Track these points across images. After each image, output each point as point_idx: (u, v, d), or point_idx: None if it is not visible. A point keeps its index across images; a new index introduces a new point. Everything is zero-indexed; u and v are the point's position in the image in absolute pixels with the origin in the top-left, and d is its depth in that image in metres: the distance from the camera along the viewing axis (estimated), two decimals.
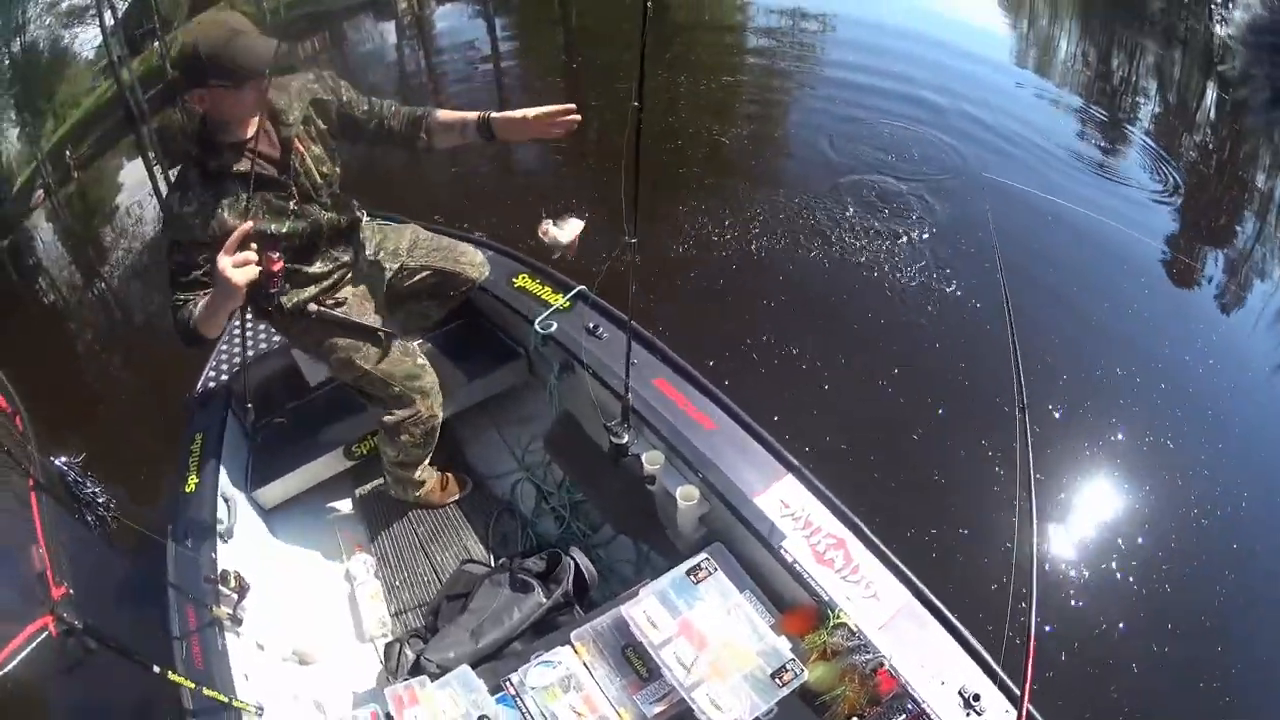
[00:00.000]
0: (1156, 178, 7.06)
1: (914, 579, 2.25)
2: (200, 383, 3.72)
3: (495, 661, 2.60)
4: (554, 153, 7.61)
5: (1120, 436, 4.44)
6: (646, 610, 2.40)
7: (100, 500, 2.29)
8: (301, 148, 2.67)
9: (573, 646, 2.45)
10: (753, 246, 5.86)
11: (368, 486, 3.61)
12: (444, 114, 2.82)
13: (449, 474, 3.57)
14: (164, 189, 8.69)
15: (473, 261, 3.32)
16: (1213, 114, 8.98)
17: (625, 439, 2.78)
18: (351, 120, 2.79)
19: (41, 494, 2.10)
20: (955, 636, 2.15)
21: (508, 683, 2.40)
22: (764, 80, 9.17)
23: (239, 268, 2.24)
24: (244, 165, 2.51)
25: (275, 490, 3.48)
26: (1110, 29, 11.33)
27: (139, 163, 9.72)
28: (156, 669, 2.19)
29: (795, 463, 2.58)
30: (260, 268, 2.33)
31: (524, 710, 2.34)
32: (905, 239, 5.88)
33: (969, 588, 3.20)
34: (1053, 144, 7.56)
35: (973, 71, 9.15)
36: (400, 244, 3.24)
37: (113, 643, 2.03)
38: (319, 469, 3.52)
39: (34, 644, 1.82)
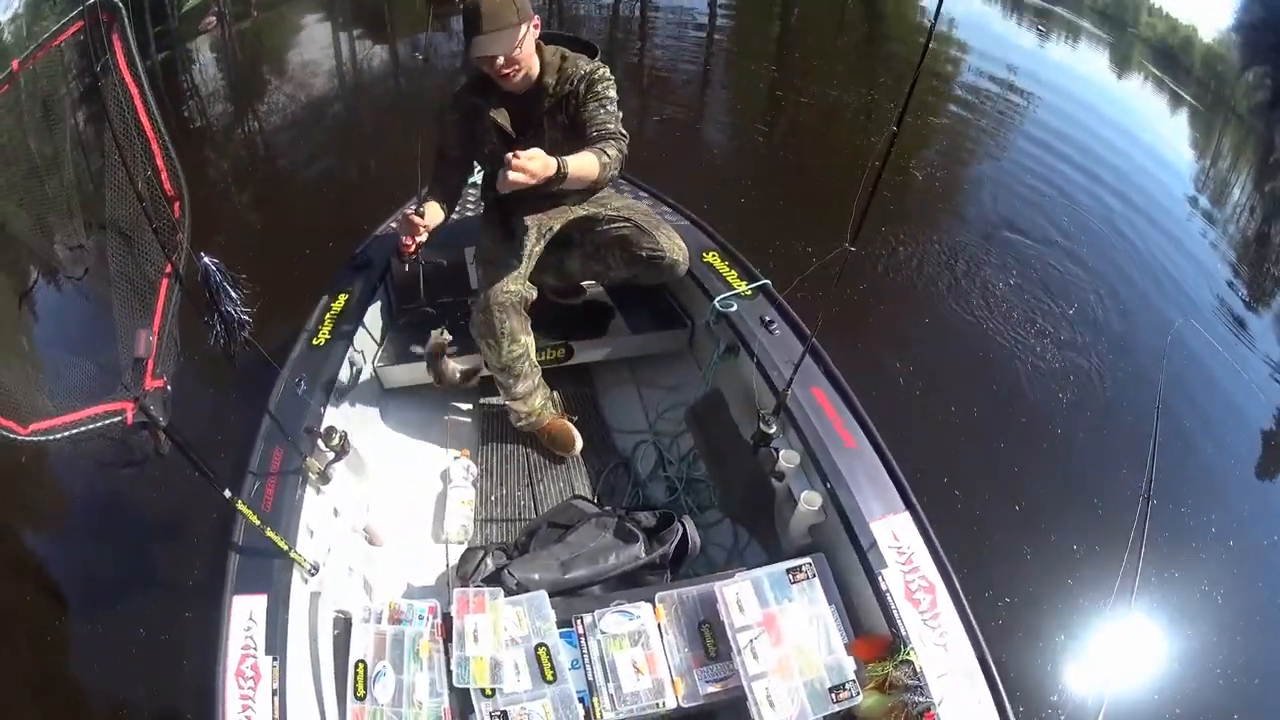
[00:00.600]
0: None
1: (982, 642, 2.21)
2: (362, 246, 3.69)
3: (572, 597, 2.53)
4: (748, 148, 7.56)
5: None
6: (739, 593, 2.34)
7: (237, 313, 2.06)
8: (545, 125, 2.90)
9: (653, 605, 2.40)
10: (922, 285, 5.72)
11: (494, 400, 3.53)
12: None
13: (567, 425, 3.45)
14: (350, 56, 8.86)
15: (673, 240, 3.21)
16: None
17: (773, 429, 2.73)
18: (580, 124, 2.89)
19: (175, 285, 1.97)
20: (997, 702, 2.13)
21: (578, 620, 2.36)
22: (960, 131, 8.92)
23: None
24: (498, 115, 2.87)
25: (400, 373, 3.47)
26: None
27: (325, 25, 9.73)
28: (228, 493, 2.17)
29: (915, 503, 2.50)
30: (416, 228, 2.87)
31: (584, 650, 2.31)
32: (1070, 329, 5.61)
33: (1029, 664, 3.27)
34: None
35: (1148, 183, 8.73)
36: (612, 201, 3.26)
37: (192, 455, 1.99)
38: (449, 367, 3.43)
39: (104, 423, 1.73)
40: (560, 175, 2.62)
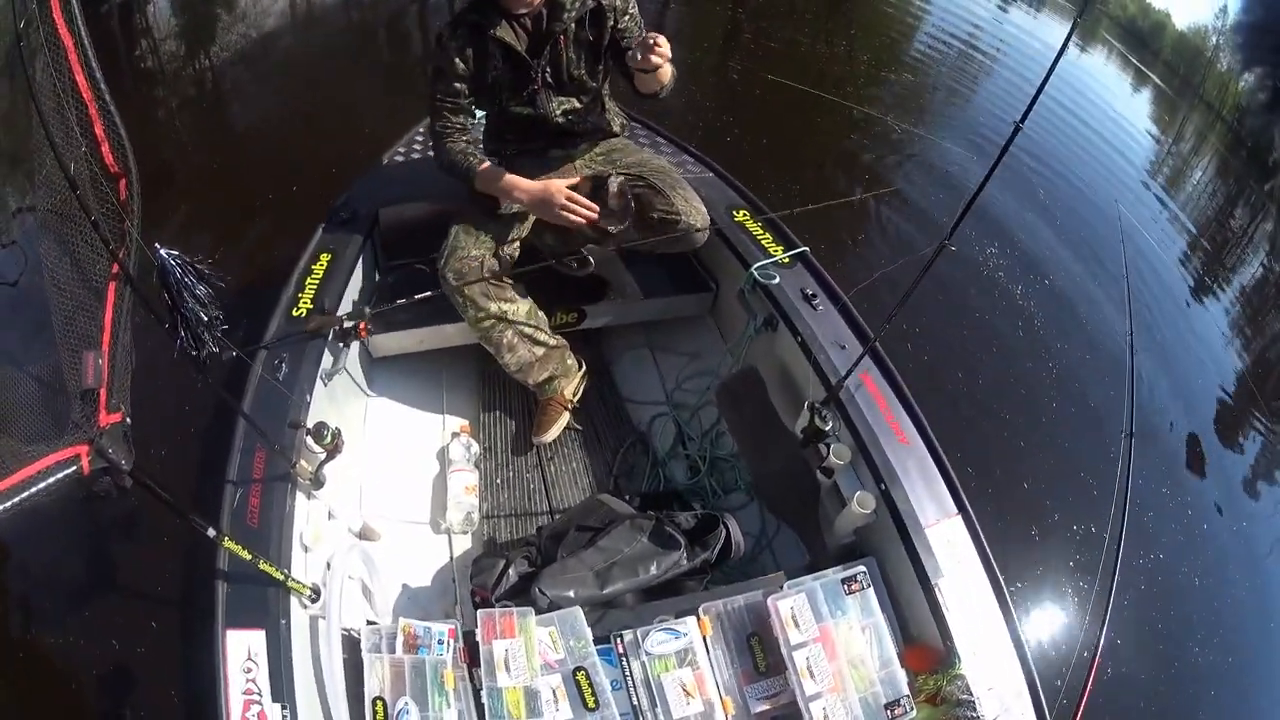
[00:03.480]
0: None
1: (1030, 660, 2.07)
2: (344, 198, 3.18)
3: (606, 610, 2.22)
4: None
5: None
6: (794, 606, 2.07)
7: (207, 314, 1.62)
8: (562, 44, 2.65)
9: (698, 618, 2.10)
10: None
11: (495, 367, 3.09)
12: None
13: (556, 413, 3.09)
14: None
15: (691, 203, 2.82)
16: None
17: (830, 425, 2.41)
18: (619, 43, 2.69)
19: (125, 288, 1.51)
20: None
21: (617, 639, 2.05)
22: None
23: (564, 212, 2.62)
24: (503, 33, 2.59)
25: (390, 340, 3.05)
26: (1244, 181, 11.11)
27: None
28: (212, 533, 1.79)
29: (968, 505, 2.30)
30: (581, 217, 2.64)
31: (628, 671, 2.01)
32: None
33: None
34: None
35: (1106, 145, 9.06)
36: (624, 157, 2.95)
37: (165, 496, 1.59)
38: (446, 333, 3.07)
39: (55, 478, 1.28)
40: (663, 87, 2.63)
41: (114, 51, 6.99)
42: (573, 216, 2.61)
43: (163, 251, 1.50)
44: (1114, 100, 11.44)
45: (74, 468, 1.27)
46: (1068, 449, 4.23)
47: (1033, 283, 5.60)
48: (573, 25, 2.63)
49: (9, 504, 1.20)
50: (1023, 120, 1.82)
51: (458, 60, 2.64)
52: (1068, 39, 1.86)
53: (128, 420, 1.38)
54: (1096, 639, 1.91)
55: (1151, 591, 3.72)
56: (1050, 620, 3.46)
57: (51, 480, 1.24)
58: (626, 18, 2.68)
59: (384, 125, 3.62)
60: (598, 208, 2.63)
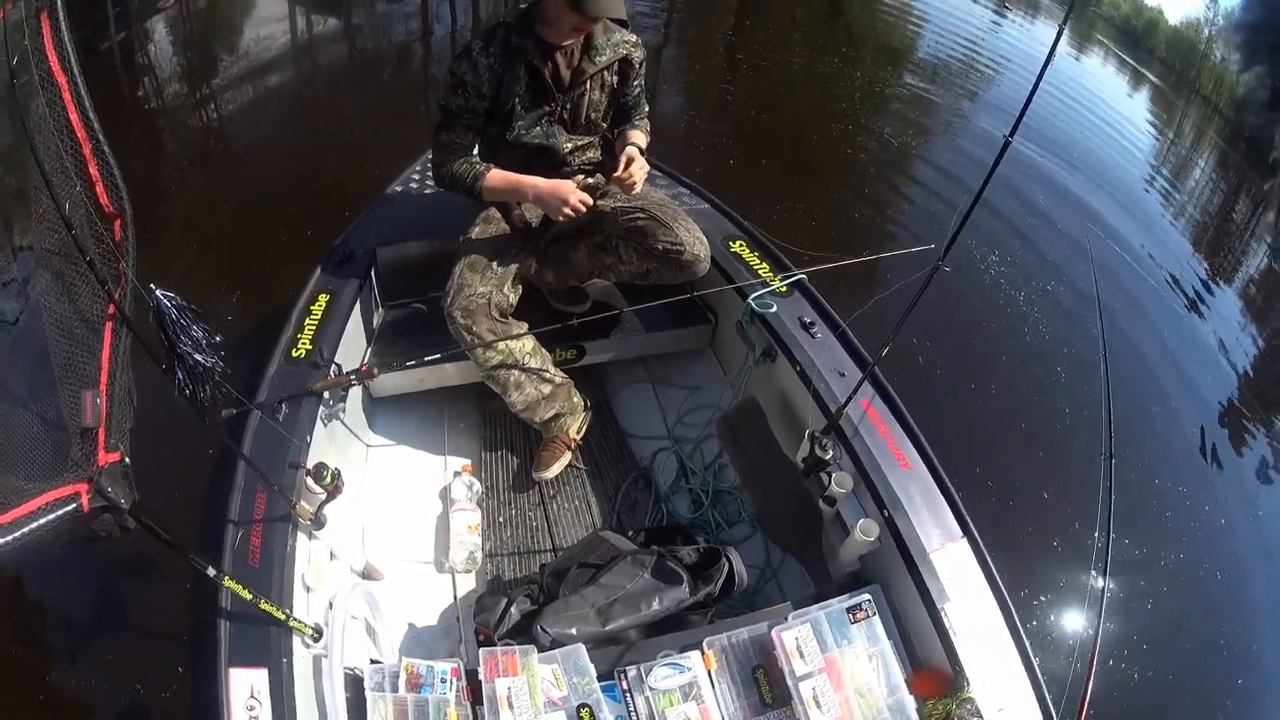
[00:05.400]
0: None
1: (1041, 680, 2.07)
2: (343, 237, 3.19)
3: (609, 646, 2.21)
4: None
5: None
6: (799, 637, 2.08)
7: (204, 357, 1.64)
8: (588, 85, 2.72)
9: (702, 652, 2.11)
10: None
11: (496, 405, 3.11)
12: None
13: (560, 450, 3.09)
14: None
15: (693, 234, 2.87)
16: None
17: (830, 454, 2.44)
18: (624, 104, 2.86)
19: (122, 329, 1.52)
20: None
21: (621, 675, 2.05)
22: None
23: (570, 207, 2.64)
24: (538, 62, 2.62)
25: (391, 381, 3.06)
26: (1242, 175, 11.14)
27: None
28: (212, 572, 1.81)
29: (972, 527, 2.30)
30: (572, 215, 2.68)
31: (632, 707, 2.01)
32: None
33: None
34: (1159, 243, 7.46)
35: (1115, 150, 9.27)
36: (620, 191, 2.93)
37: (165, 536, 1.61)
38: (446, 373, 3.09)
39: (55, 515, 1.30)
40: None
41: (114, 90, 7.03)
42: (572, 212, 2.65)
43: (159, 293, 1.53)
44: (1108, 102, 11.57)
45: (74, 505, 1.29)
46: (1066, 465, 4.24)
47: (1030, 296, 5.66)
48: (604, 69, 2.71)
49: (8, 539, 1.22)
50: (1012, 134, 1.83)
51: (485, 75, 2.63)
52: (1054, 47, 1.87)
53: (127, 460, 1.40)
54: (1092, 653, 1.92)
55: (1162, 601, 3.73)
56: (1058, 639, 3.46)
57: (51, 517, 1.26)
58: (637, 78, 2.80)
59: (385, 161, 3.68)
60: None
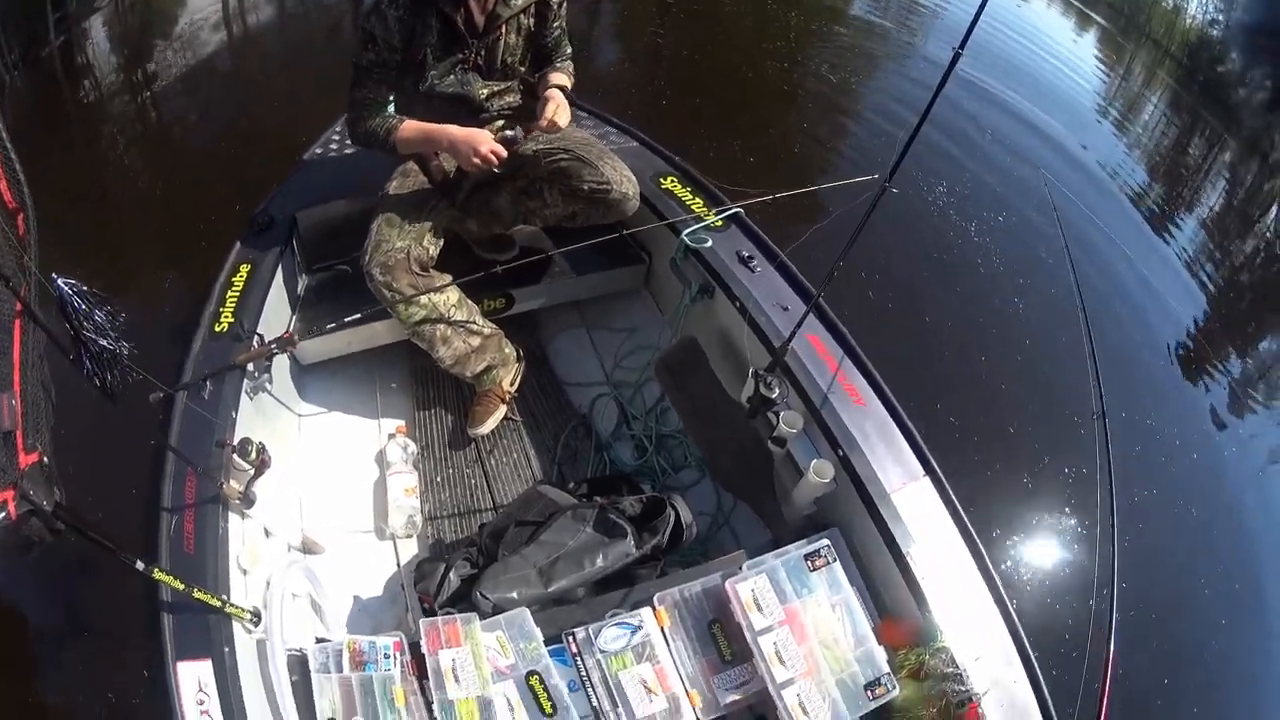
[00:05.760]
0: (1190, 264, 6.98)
1: (1017, 622, 2.10)
2: (263, 206, 3.18)
3: (554, 608, 2.26)
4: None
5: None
6: (755, 589, 2.11)
7: (109, 341, 1.65)
8: (503, 30, 2.74)
9: (654, 608, 2.14)
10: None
11: (428, 363, 3.12)
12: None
13: (492, 404, 3.12)
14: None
15: (620, 171, 2.85)
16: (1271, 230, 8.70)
17: (775, 393, 2.45)
18: (543, 46, 2.88)
19: (30, 324, 1.52)
20: (1036, 692, 2.03)
21: (569, 637, 2.09)
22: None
23: (480, 156, 2.60)
24: (448, 9, 2.62)
25: (317, 346, 3.07)
26: (1196, 114, 11.31)
27: None
28: (141, 565, 1.82)
29: (934, 466, 2.32)
30: (489, 167, 2.65)
31: (583, 672, 2.05)
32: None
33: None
34: (1113, 185, 7.65)
35: (1054, 89, 9.43)
36: (550, 139, 2.94)
37: (91, 532, 1.64)
38: (375, 331, 3.10)
39: None
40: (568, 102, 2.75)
41: (57, 93, 6.99)
42: (482, 162, 2.63)
43: (60, 281, 1.53)
44: (1060, 42, 11.78)
45: (2, 514, 1.30)
46: (1033, 393, 4.37)
47: (982, 222, 5.78)
48: (519, 13, 2.72)
49: None
50: (961, 45, 1.83)
51: (395, 28, 2.62)
52: None
53: (45, 459, 1.42)
54: (1091, 595, 2.01)
55: (1145, 536, 3.79)
56: (1036, 580, 3.55)
57: None
58: (556, 20, 2.82)
59: (315, 132, 3.64)
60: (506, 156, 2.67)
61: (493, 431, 3.12)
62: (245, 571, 2.26)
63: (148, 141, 6.66)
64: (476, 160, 2.61)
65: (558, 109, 2.65)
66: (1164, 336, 5.48)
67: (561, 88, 2.77)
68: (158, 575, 1.85)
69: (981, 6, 1.84)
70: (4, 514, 1.31)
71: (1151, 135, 10.01)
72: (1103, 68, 11.93)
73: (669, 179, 3.18)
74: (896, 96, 7.44)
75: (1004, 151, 7.00)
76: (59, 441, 1.53)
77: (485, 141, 2.61)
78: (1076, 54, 11.85)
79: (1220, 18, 13.68)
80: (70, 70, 7.50)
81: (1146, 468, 4.21)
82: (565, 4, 2.82)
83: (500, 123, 2.84)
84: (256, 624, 2.10)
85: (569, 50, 2.92)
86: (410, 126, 2.71)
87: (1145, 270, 6.15)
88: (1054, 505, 3.82)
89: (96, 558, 2.95)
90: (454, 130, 2.66)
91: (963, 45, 1.81)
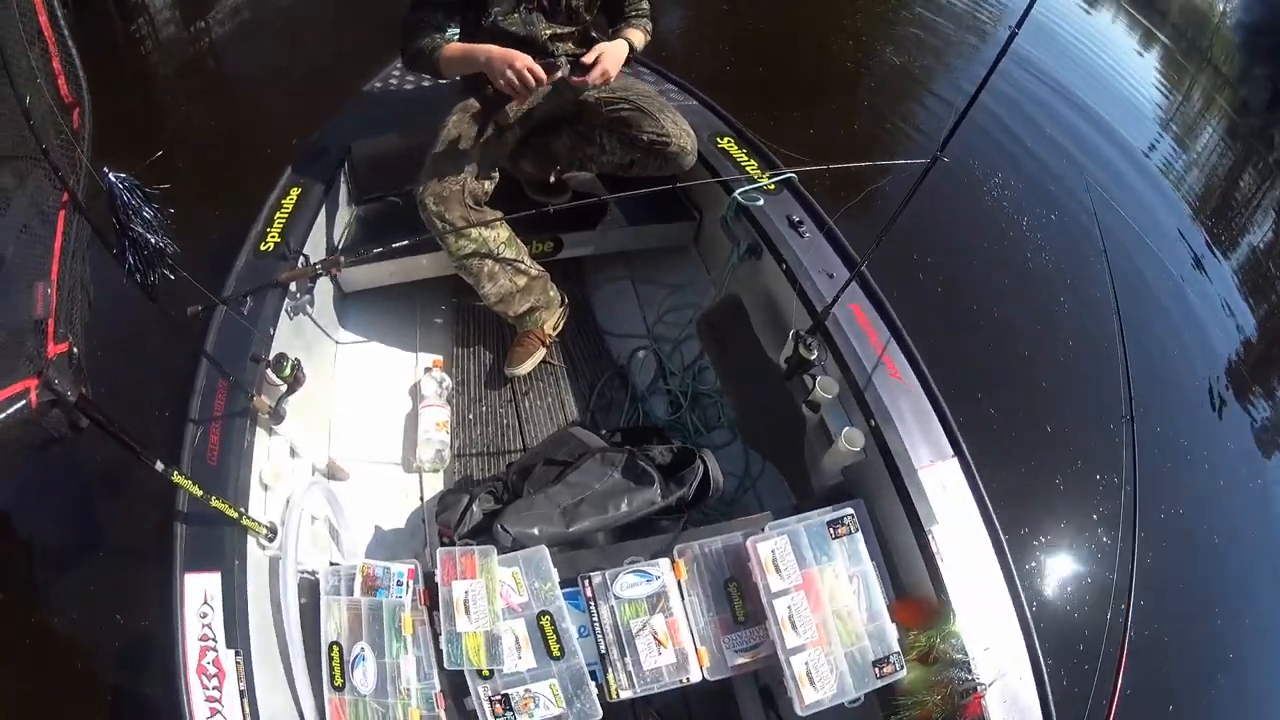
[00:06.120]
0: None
1: (1030, 618, 2.06)
2: (318, 135, 3.24)
3: (574, 550, 2.24)
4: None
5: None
6: (775, 550, 2.08)
7: (154, 239, 1.64)
8: None
9: (672, 560, 2.12)
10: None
11: (470, 300, 3.17)
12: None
13: (533, 344, 3.13)
14: None
15: (680, 125, 2.85)
16: None
17: (815, 355, 2.42)
18: (614, 1, 2.86)
19: (75, 215, 1.54)
20: (1040, 694, 2.00)
21: (585, 580, 2.07)
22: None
23: (518, 74, 2.47)
24: None
25: (362, 274, 3.09)
26: (1251, 145, 10.90)
27: None
28: (160, 467, 1.81)
29: (964, 448, 2.28)
30: (529, 88, 2.51)
31: (595, 617, 2.04)
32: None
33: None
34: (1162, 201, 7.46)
35: (1117, 102, 9.27)
36: (612, 88, 2.92)
37: (112, 427, 1.62)
38: (420, 265, 3.11)
39: (5, 414, 1.33)
40: (632, 53, 2.70)
41: (110, 29, 7.10)
42: (519, 81, 2.51)
43: (111, 175, 1.53)
44: (1121, 58, 11.61)
45: (23, 403, 1.30)
46: (1069, 394, 4.29)
47: (1034, 217, 5.70)
48: None
49: None
50: (1019, 25, 1.78)
51: None
52: None
53: (75, 350, 1.42)
54: (1109, 599, 1.95)
55: (1167, 554, 3.73)
56: (1054, 577, 3.51)
57: (4, 414, 1.27)
58: None
59: (371, 74, 3.67)
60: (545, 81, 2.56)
61: (529, 374, 3.12)
62: (266, 487, 2.26)
63: (202, 69, 6.87)
64: (511, 75, 2.50)
65: (601, 58, 2.58)
66: (1203, 360, 5.38)
67: (631, 45, 2.72)
68: (176, 479, 1.85)
69: None
70: (24, 403, 1.31)
71: (1206, 159, 9.82)
72: (1163, 85, 11.77)
73: (726, 139, 3.14)
74: (959, 79, 7.44)
75: (1062, 148, 6.92)
76: (91, 338, 1.53)
77: (520, 59, 2.50)
78: (1139, 68, 11.78)
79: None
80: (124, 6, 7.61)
81: (1176, 486, 4.13)
82: None
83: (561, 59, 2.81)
84: (271, 540, 2.11)
85: (645, 6, 2.86)
86: (454, 46, 2.66)
87: (1190, 290, 6.07)
88: (1080, 508, 3.75)
89: (114, 466, 3.04)
90: (493, 48, 2.57)
91: (1019, 24, 1.77)
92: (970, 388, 4.00)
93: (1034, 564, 3.53)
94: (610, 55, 2.61)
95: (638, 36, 2.77)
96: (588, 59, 2.58)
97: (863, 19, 8.74)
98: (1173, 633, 3.46)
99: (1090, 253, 5.11)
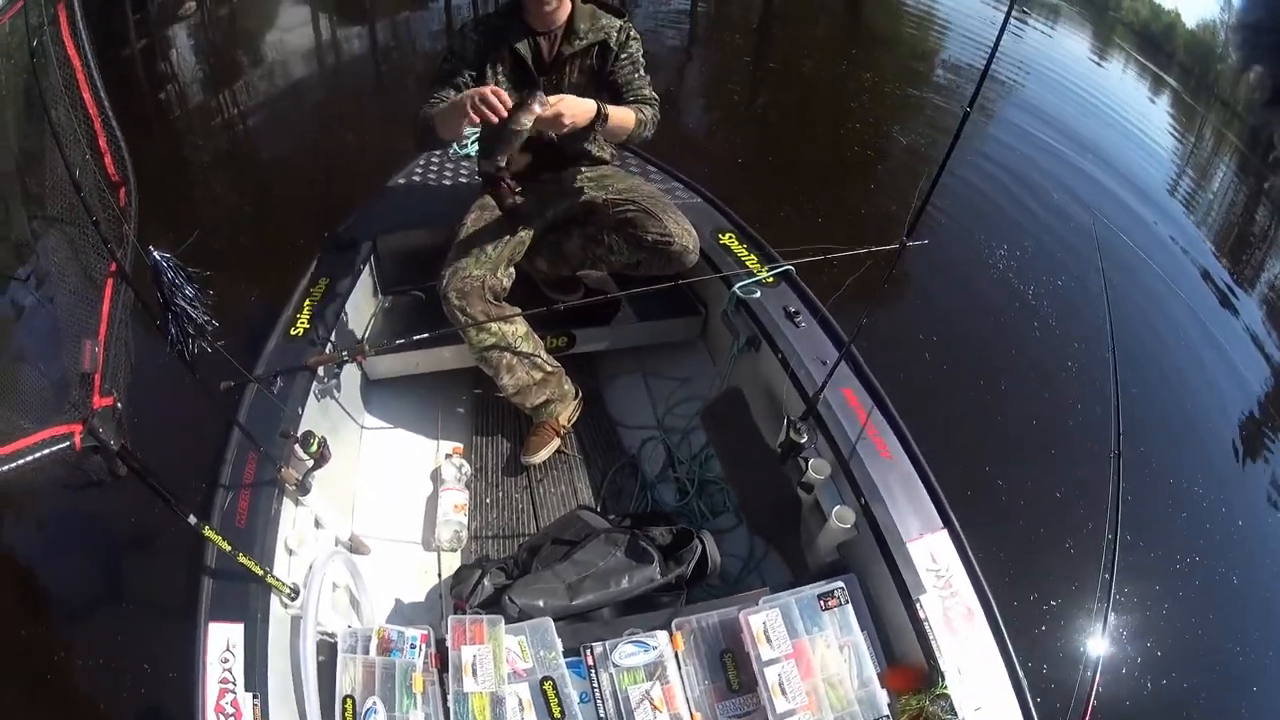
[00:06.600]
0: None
1: (1022, 679, 2.08)
2: (345, 226, 3.43)
3: (579, 622, 2.35)
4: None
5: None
6: (766, 622, 2.16)
7: (194, 313, 1.80)
8: (568, 69, 2.90)
9: (671, 633, 2.20)
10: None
11: (490, 392, 3.30)
12: None
13: (548, 435, 3.25)
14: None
15: (682, 225, 2.99)
16: None
17: (805, 439, 2.54)
18: (612, 84, 2.93)
19: (121, 284, 1.72)
20: None
21: (588, 650, 2.17)
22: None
23: (482, 98, 2.46)
24: (519, 46, 2.83)
25: (386, 363, 3.26)
26: (1261, 183, 11.08)
27: (303, 6, 9.66)
28: (193, 520, 1.95)
29: (953, 519, 2.33)
30: (493, 120, 2.50)
31: (595, 684, 2.12)
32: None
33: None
34: (1170, 234, 7.62)
35: (1125, 143, 9.51)
36: (616, 182, 3.11)
37: (150, 479, 1.76)
38: (442, 357, 3.27)
39: (49, 450, 1.48)
40: (601, 116, 2.69)
41: (137, 93, 7.44)
42: (484, 105, 2.47)
43: (156, 254, 1.71)
44: (1122, 99, 11.85)
45: (67, 444, 1.46)
46: (1058, 458, 4.33)
47: (1032, 285, 5.80)
48: (582, 53, 2.87)
49: (4, 469, 1.39)
50: (970, 104, 1.84)
51: (472, 49, 2.85)
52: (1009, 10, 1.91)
53: (119, 405, 1.57)
54: (1095, 660, 1.96)
55: (1157, 606, 3.78)
56: (1044, 639, 3.51)
57: (46, 452, 1.43)
58: (625, 57, 2.90)
59: (397, 165, 3.89)
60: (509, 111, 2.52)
61: (545, 462, 3.23)
62: (291, 552, 2.38)
63: (231, 153, 7.16)
64: (476, 100, 2.46)
65: (562, 103, 2.57)
66: (1204, 404, 5.41)
67: (605, 113, 2.71)
68: (207, 533, 1.98)
69: (988, 66, 1.86)
70: (69, 444, 1.47)
71: (1217, 197, 9.94)
72: (1174, 126, 11.93)
73: (727, 235, 3.29)
74: (970, 166, 7.50)
75: (1067, 215, 7.03)
76: (130, 399, 1.68)
77: (486, 89, 2.48)
78: (1148, 113, 11.99)
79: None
80: (152, 74, 7.93)
81: (1163, 533, 4.20)
82: (635, 48, 2.92)
83: (571, 184, 3.05)
84: (294, 599, 2.22)
85: (646, 93, 2.93)
86: (442, 107, 2.74)
87: (1193, 334, 6.12)
88: (1074, 572, 3.77)
89: (145, 520, 3.18)
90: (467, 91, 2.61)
91: (971, 103, 1.85)
92: (966, 457, 4.08)
93: (1026, 627, 3.53)
94: (570, 103, 2.61)
95: (622, 111, 2.81)
96: (552, 101, 2.55)
97: (871, 99, 8.98)
98: (1167, 690, 3.48)
99: (1086, 306, 5.32)
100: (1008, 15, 1.86)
